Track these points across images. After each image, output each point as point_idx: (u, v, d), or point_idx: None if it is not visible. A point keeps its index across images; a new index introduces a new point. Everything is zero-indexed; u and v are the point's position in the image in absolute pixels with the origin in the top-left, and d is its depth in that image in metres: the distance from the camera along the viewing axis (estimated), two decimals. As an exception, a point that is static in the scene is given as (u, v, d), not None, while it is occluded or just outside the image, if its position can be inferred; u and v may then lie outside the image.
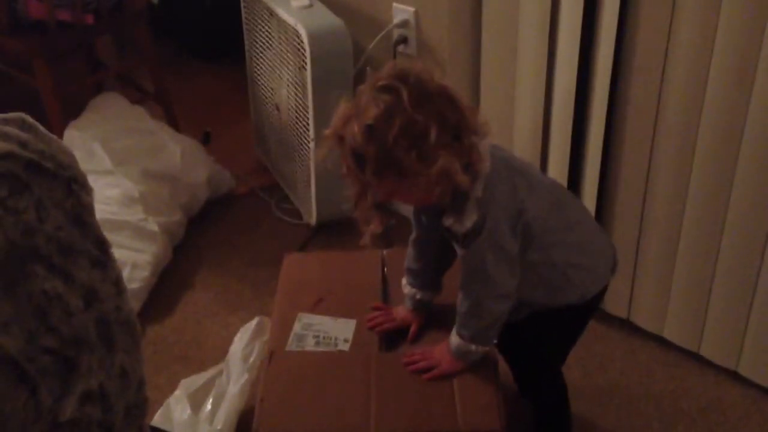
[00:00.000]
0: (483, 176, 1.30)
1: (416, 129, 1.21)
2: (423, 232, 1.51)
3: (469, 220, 1.31)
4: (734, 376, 1.89)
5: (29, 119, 0.97)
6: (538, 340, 1.53)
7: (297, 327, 1.57)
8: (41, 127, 0.97)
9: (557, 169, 1.98)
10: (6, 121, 0.94)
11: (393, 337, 1.56)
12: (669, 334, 1.95)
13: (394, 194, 1.32)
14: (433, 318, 1.57)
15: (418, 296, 1.55)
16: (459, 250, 1.40)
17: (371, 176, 1.24)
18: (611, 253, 1.52)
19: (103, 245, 1.05)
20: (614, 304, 2.03)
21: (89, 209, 1.00)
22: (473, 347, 1.42)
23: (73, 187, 0.96)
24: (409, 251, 1.55)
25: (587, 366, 1.95)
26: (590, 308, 1.52)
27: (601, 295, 1.50)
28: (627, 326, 2.04)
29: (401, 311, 1.57)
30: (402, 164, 1.22)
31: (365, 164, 1.24)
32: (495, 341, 1.45)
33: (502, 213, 1.33)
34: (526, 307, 1.47)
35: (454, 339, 1.43)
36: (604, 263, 1.50)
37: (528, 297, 1.45)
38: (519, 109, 2.02)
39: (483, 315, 1.41)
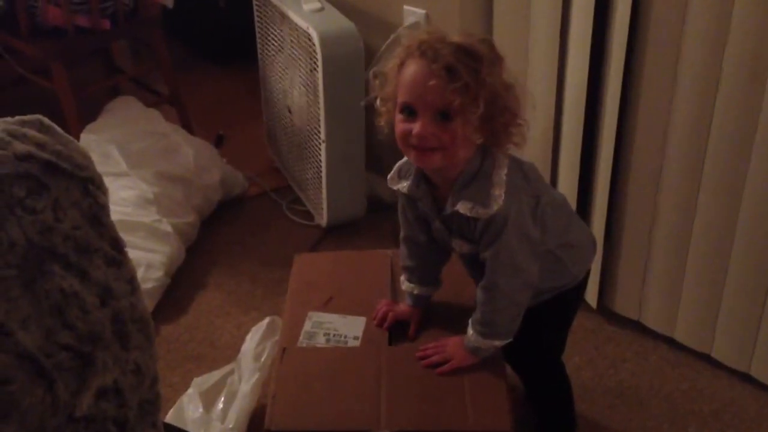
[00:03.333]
0: (506, 161, 1.34)
1: (496, 88, 1.28)
2: (410, 231, 1.52)
3: (495, 204, 1.31)
4: (746, 378, 1.89)
5: (47, 121, 0.99)
6: (536, 328, 1.52)
7: (307, 325, 1.58)
8: (58, 129, 0.99)
9: (568, 172, 1.98)
10: (24, 123, 0.96)
11: (402, 334, 1.57)
12: (680, 335, 1.96)
13: (466, 130, 1.29)
14: (436, 313, 1.58)
15: (416, 292, 1.56)
16: (465, 247, 1.41)
17: (458, 91, 1.24)
18: (589, 231, 1.60)
19: (118, 244, 1.07)
20: (625, 305, 2.03)
21: (105, 209, 1.02)
22: (495, 342, 1.42)
23: (89, 187, 0.98)
24: (402, 249, 1.56)
25: (598, 367, 1.95)
26: (580, 289, 1.55)
27: (587, 275, 1.55)
28: (638, 328, 2.04)
29: (402, 307, 1.59)
30: (490, 89, 1.26)
31: (456, 77, 1.24)
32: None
33: (524, 199, 1.34)
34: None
35: (473, 336, 1.43)
36: (587, 241, 1.55)
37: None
38: (529, 111, 2.02)
39: (509, 309, 1.40)
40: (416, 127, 1.27)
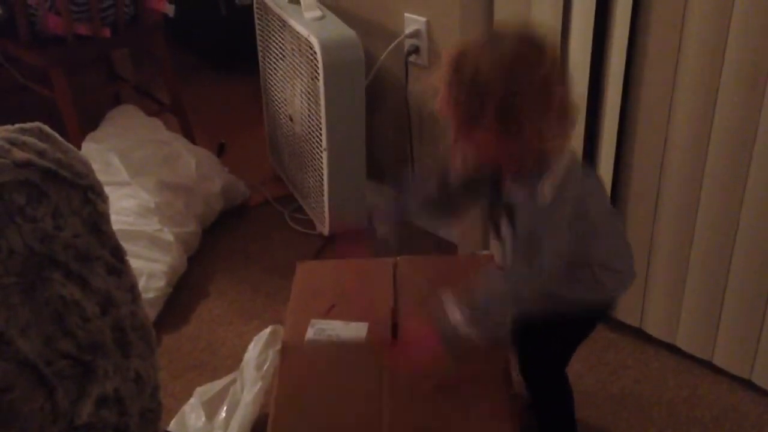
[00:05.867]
0: (564, 161, 1.31)
1: (547, 90, 1.22)
2: (440, 195, 1.50)
3: (542, 198, 1.29)
4: (748, 384, 1.89)
5: (47, 129, 0.99)
6: (553, 340, 1.51)
7: (310, 333, 1.58)
8: (58, 137, 0.99)
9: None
10: (24, 131, 0.96)
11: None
12: (682, 342, 1.95)
13: (486, 141, 1.27)
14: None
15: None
16: (505, 229, 1.39)
17: (490, 112, 1.22)
18: (632, 262, 1.54)
19: (118, 253, 1.07)
20: (627, 312, 2.03)
21: (105, 217, 1.02)
22: (473, 332, 1.32)
23: (89, 195, 0.98)
24: (408, 182, 1.55)
25: (600, 374, 1.95)
26: (607, 310, 1.53)
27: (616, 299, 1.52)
28: (640, 334, 2.04)
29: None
30: (522, 113, 1.22)
31: (487, 99, 1.21)
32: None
33: (570, 197, 1.31)
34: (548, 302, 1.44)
35: (457, 317, 1.33)
36: (628, 270, 1.52)
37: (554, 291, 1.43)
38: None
39: (506, 298, 1.36)
40: None
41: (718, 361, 1.91)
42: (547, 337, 1.51)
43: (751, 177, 1.67)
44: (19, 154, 0.92)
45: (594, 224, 1.38)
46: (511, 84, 1.21)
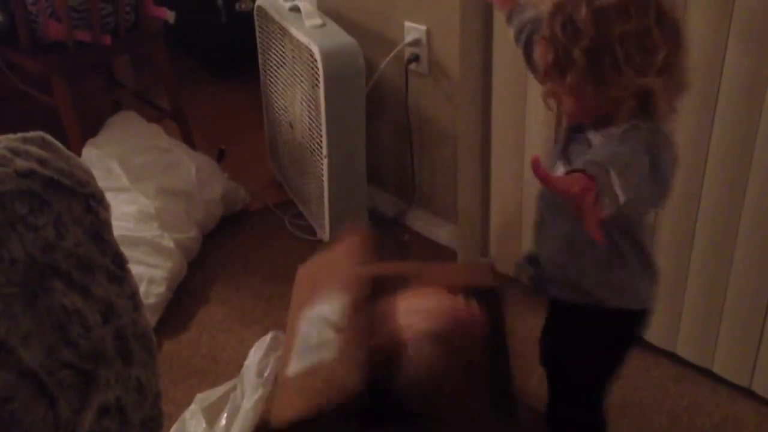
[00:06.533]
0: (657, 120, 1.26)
1: (647, 41, 1.19)
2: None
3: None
4: (748, 393, 1.89)
5: (48, 138, 0.99)
6: (589, 354, 1.45)
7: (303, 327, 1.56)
8: (60, 146, 0.99)
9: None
10: (26, 140, 0.96)
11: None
12: (682, 350, 1.95)
13: (577, 90, 1.24)
14: None
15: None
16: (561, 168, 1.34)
17: (579, 54, 1.20)
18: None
19: (120, 261, 1.07)
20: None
21: (107, 225, 1.02)
22: (613, 177, 1.13)
23: (91, 203, 0.98)
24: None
25: (600, 382, 1.95)
26: (644, 317, 1.44)
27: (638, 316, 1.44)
28: (639, 343, 2.03)
29: None
30: (613, 61, 1.19)
31: (579, 39, 1.19)
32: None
33: (646, 128, 1.24)
34: (578, 291, 1.39)
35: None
36: (656, 277, 1.44)
37: (586, 277, 1.38)
38: (530, 126, 2.03)
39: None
40: None
41: (718, 370, 1.91)
42: (584, 357, 1.44)
43: (750, 186, 1.68)
44: (21, 164, 0.92)
45: (663, 186, 1.27)
46: (604, 28, 1.18)
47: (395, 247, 1.45)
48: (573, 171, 1.11)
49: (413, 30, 2.20)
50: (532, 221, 1.50)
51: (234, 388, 1.82)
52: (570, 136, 1.35)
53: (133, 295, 1.09)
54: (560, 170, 1.34)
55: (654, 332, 1.99)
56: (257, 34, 2.60)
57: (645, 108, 1.23)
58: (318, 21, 2.27)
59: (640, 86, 1.20)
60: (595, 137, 1.28)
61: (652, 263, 1.40)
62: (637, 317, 1.43)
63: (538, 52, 1.29)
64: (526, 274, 1.52)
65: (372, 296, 1.35)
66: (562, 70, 1.23)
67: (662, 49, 1.20)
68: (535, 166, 1.05)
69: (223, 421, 1.75)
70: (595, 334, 1.44)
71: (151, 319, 2.10)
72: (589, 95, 1.24)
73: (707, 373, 1.94)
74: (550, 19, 1.23)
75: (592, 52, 1.19)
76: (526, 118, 2.03)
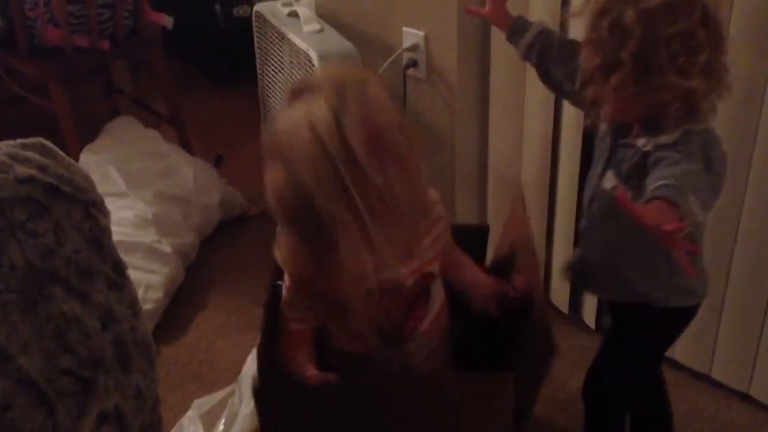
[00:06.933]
0: (701, 125, 1.26)
1: (692, 42, 1.19)
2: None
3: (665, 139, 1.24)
4: (746, 398, 1.89)
5: (48, 144, 0.99)
6: (640, 342, 1.48)
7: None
8: (60, 152, 0.99)
9: (567, 192, 1.98)
10: (26, 146, 0.96)
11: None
12: (680, 356, 1.95)
13: (621, 91, 1.24)
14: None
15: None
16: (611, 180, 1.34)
17: (628, 56, 1.20)
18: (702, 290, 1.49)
19: (119, 267, 1.07)
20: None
21: (107, 232, 1.02)
22: (690, 198, 1.13)
23: (91, 210, 0.98)
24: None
25: (598, 387, 1.95)
26: (695, 312, 1.47)
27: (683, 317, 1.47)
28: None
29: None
30: (658, 63, 1.19)
31: (626, 41, 1.20)
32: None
33: (697, 135, 1.25)
34: (630, 293, 1.41)
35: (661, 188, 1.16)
36: (700, 289, 1.47)
37: (639, 279, 1.39)
38: (528, 131, 2.03)
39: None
40: None
41: (716, 375, 1.91)
42: (646, 333, 1.47)
43: (749, 194, 1.68)
44: (21, 170, 0.92)
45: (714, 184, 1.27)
46: (651, 30, 1.18)
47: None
48: (653, 198, 1.12)
49: (411, 35, 2.20)
50: (581, 226, 1.51)
51: (232, 394, 1.82)
52: (615, 143, 1.35)
53: (133, 302, 1.09)
54: (610, 179, 1.35)
55: (652, 338, 1.99)
56: (255, 39, 2.59)
57: (689, 109, 1.23)
58: (316, 26, 2.27)
59: (683, 87, 1.20)
60: (646, 144, 1.27)
61: (700, 259, 1.43)
62: (690, 310, 1.46)
63: (583, 56, 1.28)
64: (571, 276, 1.56)
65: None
66: (608, 72, 1.23)
67: (706, 50, 1.20)
68: (621, 199, 1.07)
69: (221, 427, 1.74)
70: (648, 332, 1.47)
71: (149, 324, 2.09)
72: (634, 97, 1.24)
73: (706, 379, 1.94)
74: (596, 21, 1.23)
75: (638, 54, 1.19)
76: (524, 123, 2.03)
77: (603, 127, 1.40)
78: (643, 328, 1.48)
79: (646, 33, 1.19)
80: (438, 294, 1.43)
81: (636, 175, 1.28)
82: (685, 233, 1.10)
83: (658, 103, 1.23)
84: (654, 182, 1.16)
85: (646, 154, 1.26)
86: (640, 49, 1.19)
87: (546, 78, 1.54)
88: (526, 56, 1.53)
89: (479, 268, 1.52)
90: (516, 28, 1.54)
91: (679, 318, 1.48)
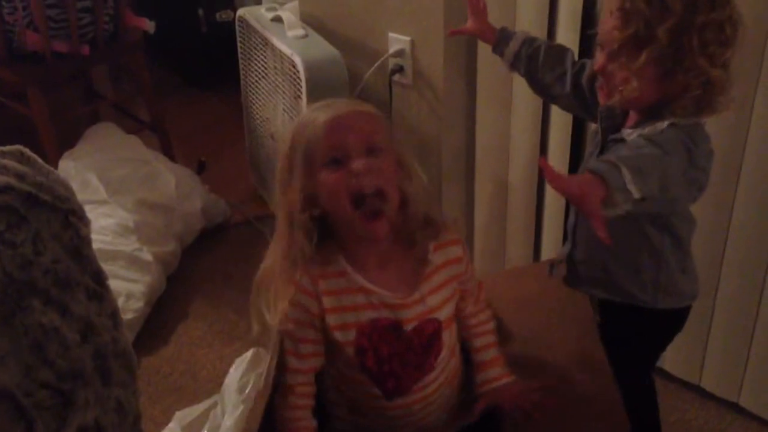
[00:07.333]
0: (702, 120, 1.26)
1: (722, 36, 1.19)
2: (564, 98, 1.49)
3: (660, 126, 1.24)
4: (736, 408, 1.88)
5: (28, 152, 0.96)
6: (640, 334, 1.46)
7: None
8: (39, 160, 0.96)
9: (554, 197, 1.97)
10: (4, 154, 0.93)
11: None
12: (669, 366, 1.94)
13: (646, 70, 1.22)
14: None
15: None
16: None
17: (663, 32, 1.18)
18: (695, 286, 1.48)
19: (100, 277, 1.04)
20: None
21: (87, 241, 0.99)
22: (626, 177, 1.11)
23: (70, 219, 0.95)
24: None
25: (586, 397, 1.93)
26: (686, 314, 1.45)
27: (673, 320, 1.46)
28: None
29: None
30: (690, 46, 1.18)
31: (666, 17, 1.18)
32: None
33: (684, 127, 1.24)
34: (617, 292, 1.40)
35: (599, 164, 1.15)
36: (691, 287, 1.45)
37: (625, 279, 1.38)
38: (515, 137, 2.02)
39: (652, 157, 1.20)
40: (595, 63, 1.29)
41: (706, 385, 1.90)
42: (628, 352, 1.46)
43: (737, 205, 1.68)
44: (-1, 178, 0.89)
45: (699, 184, 1.27)
46: (690, 11, 1.18)
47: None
48: (585, 170, 1.11)
49: (397, 41, 2.18)
50: (569, 224, 1.49)
51: (214, 406, 1.79)
52: (606, 138, 1.34)
53: (113, 313, 1.07)
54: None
55: (641, 347, 1.98)
56: (238, 44, 2.57)
57: (703, 99, 1.23)
58: (300, 31, 2.25)
59: (709, 75, 1.20)
60: (630, 135, 1.26)
61: (689, 258, 1.41)
62: (681, 312, 1.45)
63: (608, 25, 1.24)
64: (561, 272, 1.52)
65: None
66: (640, 46, 1.20)
67: (731, 46, 1.20)
68: (544, 166, 1.06)
69: (204, 440, 1.72)
70: (637, 333, 1.45)
71: (129, 335, 2.06)
72: (656, 78, 1.22)
73: (695, 389, 1.93)
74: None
75: (674, 33, 1.18)
76: (510, 128, 2.02)
77: (594, 126, 1.39)
78: (632, 330, 1.47)
79: (686, 12, 1.18)
80: (451, 346, 1.30)
81: None
82: (624, 210, 1.09)
83: (679, 86, 1.22)
84: (595, 160, 1.17)
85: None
86: (677, 27, 1.18)
87: (535, 84, 1.53)
88: (513, 66, 1.53)
89: (499, 355, 1.36)
90: (501, 39, 1.53)
91: (669, 321, 1.46)
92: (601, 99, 1.32)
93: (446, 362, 1.29)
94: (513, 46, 1.51)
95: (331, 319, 1.23)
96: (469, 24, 1.56)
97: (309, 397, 1.28)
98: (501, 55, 1.53)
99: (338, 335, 1.23)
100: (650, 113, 1.27)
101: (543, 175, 1.06)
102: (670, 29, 1.18)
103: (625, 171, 1.09)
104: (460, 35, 1.68)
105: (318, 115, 1.19)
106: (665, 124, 1.23)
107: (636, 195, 1.09)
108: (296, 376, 1.27)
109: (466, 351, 1.37)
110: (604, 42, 1.26)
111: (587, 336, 1.46)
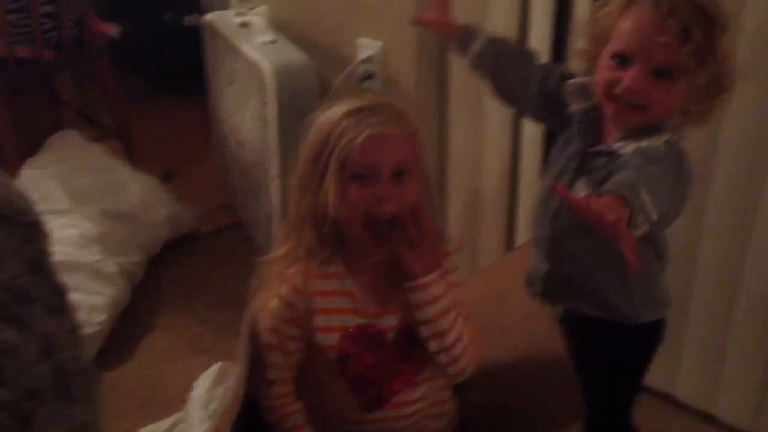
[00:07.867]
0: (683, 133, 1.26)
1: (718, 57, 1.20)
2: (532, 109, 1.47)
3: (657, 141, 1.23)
4: (710, 419, 1.88)
5: (-15, 161, 0.93)
6: (615, 363, 1.44)
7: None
8: (-2, 170, 0.93)
9: (528, 206, 1.96)
10: (-42, 163, 0.90)
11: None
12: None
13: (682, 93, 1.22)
14: None
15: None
16: (584, 190, 1.28)
17: (689, 54, 1.17)
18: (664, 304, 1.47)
19: (60, 292, 1.01)
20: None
21: (47, 255, 0.97)
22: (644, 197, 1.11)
23: (30, 233, 0.92)
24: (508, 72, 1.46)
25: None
26: (664, 326, 1.44)
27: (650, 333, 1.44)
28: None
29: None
30: (715, 58, 1.18)
31: (716, 32, 1.18)
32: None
33: (678, 147, 1.25)
34: (603, 308, 1.38)
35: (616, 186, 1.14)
36: (663, 301, 1.44)
37: (611, 294, 1.36)
38: (486, 144, 2.01)
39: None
40: (627, 78, 1.20)
41: (680, 395, 1.90)
42: (614, 371, 1.44)
43: (709, 211, 1.68)
44: (-47, 189, 0.85)
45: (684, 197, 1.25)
46: (721, 22, 1.19)
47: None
48: (602, 194, 1.10)
49: (367, 47, 2.16)
50: (541, 239, 1.43)
51: (180, 422, 1.78)
52: (586, 151, 1.31)
53: (74, 329, 1.04)
54: (581, 188, 1.29)
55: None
56: (206, 50, 2.54)
57: (695, 116, 1.25)
58: (269, 37, 2.23)
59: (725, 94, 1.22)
60: (625, 147, 1.24)
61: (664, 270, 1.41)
62: (660, 325, 1.44)
63: (659, 41, 1.18)
64: (538, 290, 1.48)
65: None
66: (703, 61, 1.18)
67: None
68: (563, 194, 1.05)
69: (170, 457, 1.68)
70: (623, 349, 1.43)
71: (92, 348, 2.03)
72: (693, 90, 1.21)
73: (669, 399, 1.92)
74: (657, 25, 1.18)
75: (702, 52, 1.18)
76: (483, 135, 2.01)
77: (564, 135, 1.36)
78: (610, 352, 1.44)
79: (710, 29, 1.18)
80: (439, 370, 1.28)
81: None
82: (643, 232, 1.09)
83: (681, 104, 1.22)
84: (610, 183, 1.15)
85: (618, 158, 1.24)
86: (703, 44, 1.18)
87: (497, 86, 1.49)
88: (475, 65, 1.49)
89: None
90: (463, 37, 1.49)
91: (648, 336, 1.44)
92: (612, 113, 1.26)
93: (433, 387, 1.29)
94: (476, 46, 1.47)
95: (318, 321, 1.23)
96: (432, 14, 1.53)
97: (291, 385, 1.29)
98: (464, 53, 1.50)
99: (320, 338, 1.24)
100: (642, 127, 1.25)
101: (564, 203, 1.07)
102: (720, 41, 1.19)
103: (644, 194, 1.09)
104: (423, 26, 1.65)
105: (357, 122, 1.20)
106: (662, 140, 1.22)
107: (654, 217, 1.10)
108: (279, 371, 1.28)
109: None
110: (659, 62, 1.20)
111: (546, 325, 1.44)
